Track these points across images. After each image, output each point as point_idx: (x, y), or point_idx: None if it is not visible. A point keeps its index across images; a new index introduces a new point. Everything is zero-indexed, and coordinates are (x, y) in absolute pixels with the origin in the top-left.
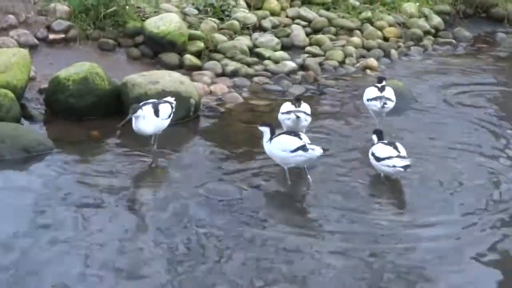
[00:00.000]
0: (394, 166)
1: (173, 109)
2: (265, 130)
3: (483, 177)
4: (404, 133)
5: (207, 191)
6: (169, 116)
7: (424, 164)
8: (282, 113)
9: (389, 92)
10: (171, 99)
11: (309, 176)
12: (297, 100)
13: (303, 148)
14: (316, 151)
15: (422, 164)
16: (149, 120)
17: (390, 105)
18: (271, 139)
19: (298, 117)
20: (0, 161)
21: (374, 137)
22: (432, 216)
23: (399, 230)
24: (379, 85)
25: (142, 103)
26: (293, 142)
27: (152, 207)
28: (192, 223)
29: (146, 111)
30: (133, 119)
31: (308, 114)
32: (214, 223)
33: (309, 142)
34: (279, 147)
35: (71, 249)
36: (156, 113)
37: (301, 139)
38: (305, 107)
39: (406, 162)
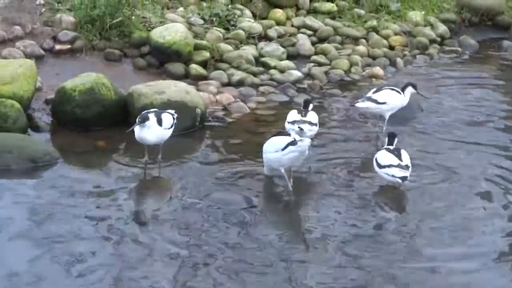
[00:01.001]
0: (393, 176)
1: (175, 120)
2: None
3: (492, 187)
4: (409, 142)
5: (213, 201)
6: (172, 126)
7: (428, 174)
8: (288, 122)
9: (311, 117)
10: (171, 111)
11: (291, 185)
12: (305, 106)
13: (293, 143)
14: (305, 141)
15: (425, 174)
16: (152, 129)
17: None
18: None
19: (301, 129)
20: (7, 171)
21: (385, 140)
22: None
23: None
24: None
25: (145, 112)
26: (282, 140)
27: (158, 218)
28: (198, 233)
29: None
30: (138, 128)
31: (314, 124)
32: (221, 234)
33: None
34: (271, 149)
35: (76, 261)
36: (159, 122)
37: (289, 136)
38: (311, 116)
39: (404, 173)
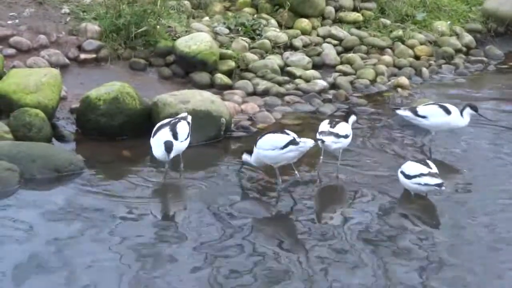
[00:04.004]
0: (426, 184)
1: (190, 125)
2: (244, 156)
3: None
4: (436, 154)
5: (237, 211)
6: (188, 136)
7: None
8: (318, 133)
9: (340, 128)
10: (184, 114)
11: (296, 172)
12: (346, 117)
13: (293, 142)
14: (308, 143)
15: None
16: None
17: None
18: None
19: (322, 141)
20: (31, 181)
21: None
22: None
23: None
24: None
25: (158, 124)
26: (282, 138)
27: (182, 229)
28: (221, 243)
29: (164, 136)
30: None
31: (342, 136)
32: (245, 243)
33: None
34: (268, 146)
35: (100, 269)
36: (175, 136)
37: (288, 134)
38: (340, 127)
39: (438, 180)
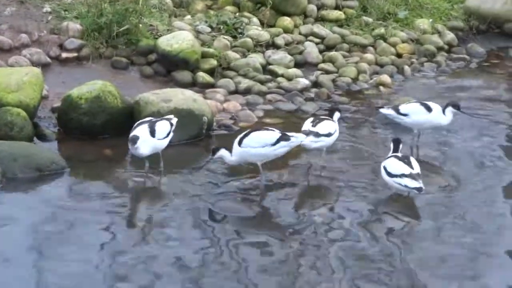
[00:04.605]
0: (406, 186)
1: (173, 127)
2: (222, 153)
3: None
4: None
5: (220, 210)
6: (168, 135)
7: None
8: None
9: (321, 127)
10: (170, 117)
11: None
12: (329, 114)
13: (284, 138)
14: (299, 138)
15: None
16: (145, 143)
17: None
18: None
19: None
20: (13, 180)
21: (391, 146)
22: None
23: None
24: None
25: (139, 122)
26: (271, 135)
27: (162, 227)
28: (205, 240)
29: (141, 132)
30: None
31: (323, 135)
32: (230, 241)
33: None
34: (257, 144)
35: (81, 269)
36: (152, 133)
37: (274, 130)
38: (323, 126)
39: (419, 183)
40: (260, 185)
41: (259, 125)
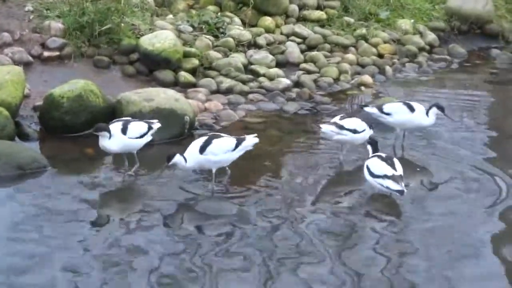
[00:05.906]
0: (388, 188)
1: (151, 130)
2: (177, 160)
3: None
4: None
5: (202, 208)
6: (142, 136)
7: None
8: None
9: (348, 122)
10: (154, 121)
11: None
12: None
13: (241, 142)
14: (253, 140)
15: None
16: (114, 139)
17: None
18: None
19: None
20: None
21: (369, 148)
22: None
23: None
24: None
25: (115, 120)
26: (230, 141)
27: (144, 228)
28: (186, 240)
29: (113, 128)
30: (100, 137)
31: (347, 129)
32: (211, 240)
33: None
34: (221, 151)
35: (63, 268)
36: (124, 131)
37: (224, 136)
38: (348, 122)
39: (401, 186)
40: (209, 189)
41: (241, 125)
